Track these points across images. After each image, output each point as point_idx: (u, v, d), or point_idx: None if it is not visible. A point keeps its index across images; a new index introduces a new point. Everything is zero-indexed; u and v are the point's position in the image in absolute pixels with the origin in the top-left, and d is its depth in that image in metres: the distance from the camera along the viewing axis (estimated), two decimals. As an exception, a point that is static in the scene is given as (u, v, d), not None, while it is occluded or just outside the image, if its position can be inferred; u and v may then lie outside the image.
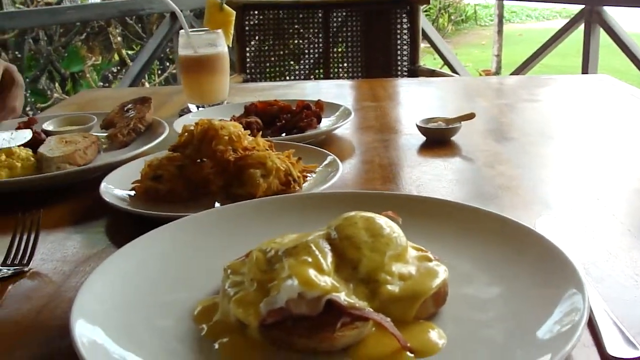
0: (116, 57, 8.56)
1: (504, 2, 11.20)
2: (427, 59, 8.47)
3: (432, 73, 3.39)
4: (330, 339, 0.74)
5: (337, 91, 2.46)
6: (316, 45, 3.74)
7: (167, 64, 8.32)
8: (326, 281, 0.76)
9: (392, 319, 0.76)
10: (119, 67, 8.50)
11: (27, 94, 6.97)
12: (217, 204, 1.24)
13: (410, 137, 1.71)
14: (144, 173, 1.32)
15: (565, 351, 0.68)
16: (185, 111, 2.07)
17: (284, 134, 1.68)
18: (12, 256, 1.10)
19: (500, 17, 10.74)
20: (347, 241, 0.83)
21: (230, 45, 2.14)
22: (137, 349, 0.76)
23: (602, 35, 5.42)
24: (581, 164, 1.51)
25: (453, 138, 1.67)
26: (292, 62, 3.82)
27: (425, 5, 3.59)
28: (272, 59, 3.68)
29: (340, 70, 3.73)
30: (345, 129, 1.81)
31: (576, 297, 0.77)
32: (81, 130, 1.74)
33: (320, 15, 3.65)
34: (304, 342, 0.74)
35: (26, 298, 1.00)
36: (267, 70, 3.66)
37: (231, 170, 1.28)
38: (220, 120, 1.36)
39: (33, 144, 1.58)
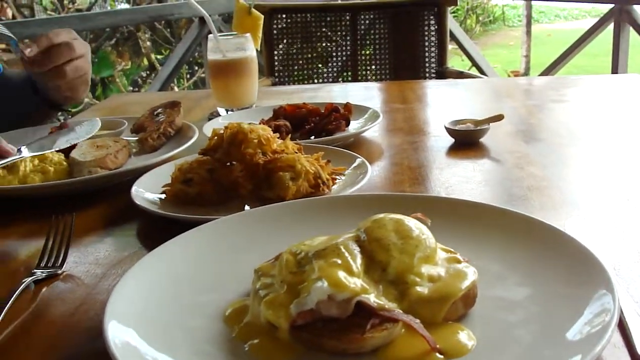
0: (145, 61, 8.63)
1: (532, 3, 11.13)
2: (455, 61, 8.44)
3: (460, 74, 3.39)
4: (359, 341, 0.74)
5: (365, 94, 2.47)
6: (344, 48, 3.74)
7: (196, 68, 8.37)
8: (356, 283, 0.77)
9: (421, 320, 0.77)
10: (148, 72, 8.57)
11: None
12: (246, 207, 1.25)
13: (439, 139, 1.71)
14: (174, 176, 1.33)
15: (596, 352, 0.68)
16: (215, 115, 2.09)
17: (312, 137, 1.69)
18: (45, 259, 1.12)
19: (529, 18, 10.69)
20: (376, 243, 0.83)
21: (259, 49, 2.15)
22: (169, 350, 0.77)
23: (632, 34, 5.36)
24: (611, 165, 1.49)
25: (482, 139, 1.66)
26: (319, 65, 3.82)
27: (452, 7, 3.57)
28: (300, 62, 3.69)
29: (368, 72, 3.73)
30: (374, 132, 1.81)
31: (606, 298, 0.77)
32: (112, 134, 1.75)
33: (347, 18, 3.66)
34: (333, 344, 0.75)
35: (60, 300, 1.01)
36: (295, 73, 3.67)
37: (260, 173, 1.29)
38: (250, 123, 1.37)
39: (65, 149, 1.60)
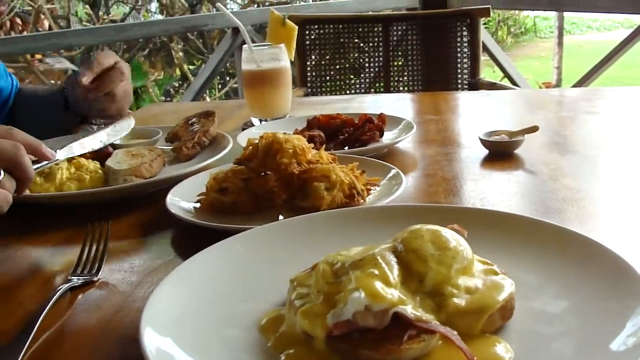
0: (177, 72, 8.70)
1: (564, 14, 11.06)
2: (486, 72, 8.39)
3: (492, 86, 3.37)
4: (396, 352, 0.74)
5: (398, 104, 2.46)
6: (375, 59, 3.74)
7: (228, 78, 8.42)
8: (393, 294, 0.77)
9: (458, 332, 0.76)
10: (180, 82, 8.63)
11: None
12: (280, 217, 1.26)
13: (473, 150, 1.70)
14: (209, 186, 1.33)
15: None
16: (248, 125, 2.10)
17: (346, 148, 1.69)
18: (82, 266, 1.13)
19: (560, 29, 10.61)
20: (413, 254, 0.83)
21: (292, 60, 2.15)
22: (204, 358, 0.78)
23: (667, 45, 5.31)
24: (648, 177, 1.48)
25: (516, 151, 1.65)
26: (351, 76, 3.82)
27: (484, 18, 3.56)
28: (332, 72, 3.70)
29: (400, 83, 3.72)
30: (407, 142, 1.80)
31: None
32: (147, 143, 1.77)
33: (379, 29, 3.66)
34: (370, 355, 0.75)
35: (95, 307, 1.02)
36: (327, 84, 3.68)
37: (295, 183, 1.29)
38: (284, 133, 1.37)
39: (101, 157, 1.61)
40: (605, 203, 1.32)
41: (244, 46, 2.09)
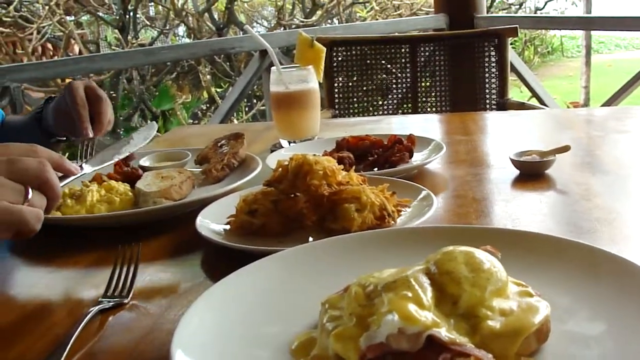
0: (205, 94, 8.76)
1: (592, 32, 11.01)
2: (513, 92, 8.37)
3: (521, 106, 3.35)
4: (431, 375, 0.73)
5: (426, 125, 2.46)
6: (403, 80, 3.74)
7: (255, 100, 8.46)
8: (427, 316, 0.76)
9: (493, 355, 0.75)
10: (207, 105, 8.69)
11: (121, 131, 7.19)
12: (310, 239, 1.25)
13: (503, 171, 1.69)
14: (239, 207, 1.33)
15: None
16: (277, 146, 2.10)
17: (375, 169, 1.69)
18: (112, 288, 1.13)
19: (588, 48, 10.56)
20: (447, 276, 0.82)
21: (321, 81, 2.16)
22: (237, 381, 0.77)
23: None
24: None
25: (547, 171, 1.64)
26: (378, 97, 3.83)
27: (512, 38, 3.55)
28: (359, 94, 3.70)
29: (427, 104, 3.72)
30: (437, 163, 1.80)
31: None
32: (176, 165, 1.78)
33: (406, 50, 3.66)
34: (404, 378, 0.74)
35: (126, 329, 1.02)
36: (354, 105, 3.68)
37: (325, 204, 1.28)
38: (314, 155, 1.37)
39: (131, 179, 1.62)
40: (638, 222, 1.30)
41: (273, 68, 2.10)
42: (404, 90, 3.76)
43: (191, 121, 8.33)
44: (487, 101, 3.53)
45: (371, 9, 9.65)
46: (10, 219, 1.06)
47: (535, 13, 12.04)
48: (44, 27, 7.66)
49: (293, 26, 8.81)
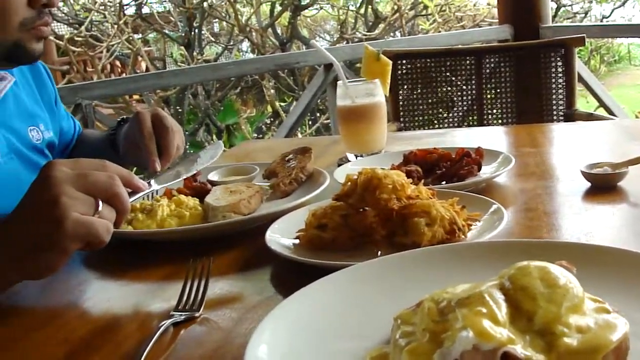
0: (269, 109, 8.84)
1: (662, 41, 10.78)
2: (580, 102, 8.23)
3: (590, 117, 3.30)
4: (506, 392, 0.72)
5: (492, 138, 2.43)
6: (467, 92, 3.71)
7: (318, 114, 8.50)
8: (502, 333, 0.75)
9: (571, 372, 0.74)
10: (272, 119, 8.76)
11: (187, 146, 7.29)
12: (379, 253, 1.25)
13: (573, 183, 1.66)
14: (308, 222, 1.34)
15: None
16: (344, 160, 2.10)
17: (444, 182, 1.67)
18: (184, 302, 1.14)
19: (658, 56, 10.33)
20: (522, 292, 0.81)
21: (387, 95, 2.16)
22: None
23: None
24: None
25: (620, 183, 1.60)
26: (440, 110, 3.80)
27: (578, 47, 3.50)
28: (423, 107, 3.68)
29: (492, 116, 3.68)
30: (505, 176, 1.77)
31: None
32: (244, 180, 1.79)
33: (471, 62, 3.63)
34: (479, 395, 0.73)
35: (197, 343, 1.03)
36: (418, 118, 3.67)
37: (395, 219, 1.28)
38: (382, 169, 1.37)
39: (200, 194, 1.65)
40: None
41: (339, 82, 2.10)
42: (469, 102, 3.73)
43: (255, 135, 8.41)
44: (554, 112, 3.48)
45: (434, 21, 9.61)
46: (81, 230, 1.09)
47: (601, 21, 11.83)
48: (112, 45, 7.84)
49: (356, 40, 8.84)
